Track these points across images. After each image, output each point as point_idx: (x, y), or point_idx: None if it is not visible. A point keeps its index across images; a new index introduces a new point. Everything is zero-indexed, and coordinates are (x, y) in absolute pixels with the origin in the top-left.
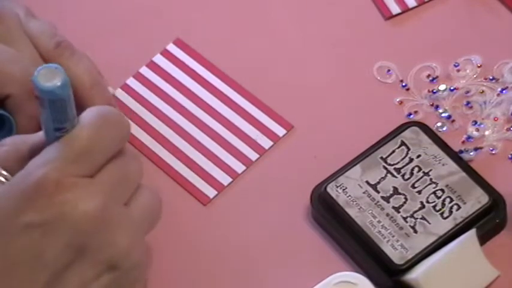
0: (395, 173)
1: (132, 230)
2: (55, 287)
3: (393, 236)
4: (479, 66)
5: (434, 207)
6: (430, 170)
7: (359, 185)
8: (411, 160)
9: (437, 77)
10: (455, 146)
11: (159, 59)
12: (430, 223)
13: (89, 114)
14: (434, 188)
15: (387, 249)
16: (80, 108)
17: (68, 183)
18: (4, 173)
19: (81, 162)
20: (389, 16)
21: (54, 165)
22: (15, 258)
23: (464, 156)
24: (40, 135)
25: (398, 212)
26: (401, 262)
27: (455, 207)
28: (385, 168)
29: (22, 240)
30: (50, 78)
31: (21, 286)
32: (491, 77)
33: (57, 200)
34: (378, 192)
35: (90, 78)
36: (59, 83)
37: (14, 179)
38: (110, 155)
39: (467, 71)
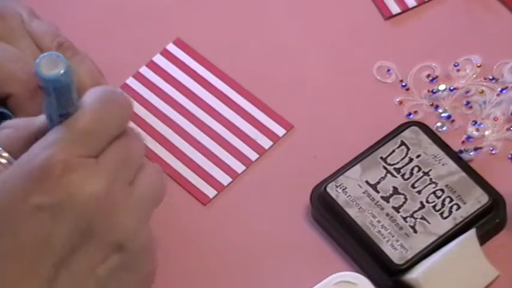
0: (395, 173)
1: (138, 210)
2: (62, 270)
3: (393, 236)
4: (479, 66)
5: (434, 207)
6: (430, 170)
7: (359, 184)
8: (411, 160)
9: (437, 76)
10: (455, 146)
11: (159, 59)
12: (429, 223)
13: (91, 95)
14: (434, 188)
15: (387, 249)
16: None
17: (73, 164)
18: (5, 155)
19: (85, 142)
20: (389, 16)
21: (60, 146)
22: (24, 241)
23: (464, 156)
24: (43, 118)
25: (398, 212)
26: (401, 262)
27: (455, 207)
28: (385, 168)
29: (31, 223)
30: (52, 67)
31: (30, 269)
32: (491, 77)
33: (64, 181)
34: (378, 192)
35: (92, 79)
36: (62, 70)
37: (19, 161)
38: (113, 134)
39: (467, 70)
